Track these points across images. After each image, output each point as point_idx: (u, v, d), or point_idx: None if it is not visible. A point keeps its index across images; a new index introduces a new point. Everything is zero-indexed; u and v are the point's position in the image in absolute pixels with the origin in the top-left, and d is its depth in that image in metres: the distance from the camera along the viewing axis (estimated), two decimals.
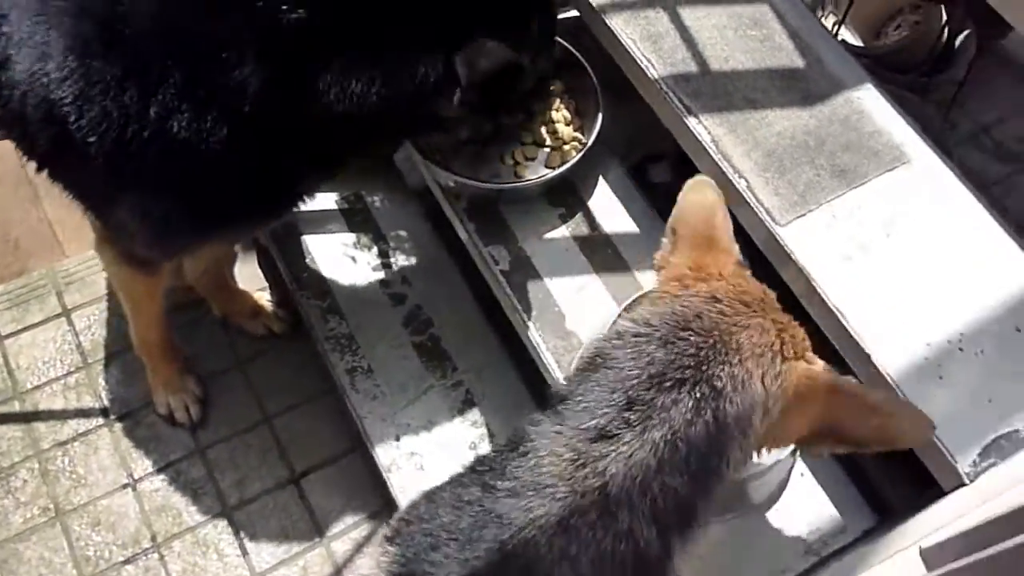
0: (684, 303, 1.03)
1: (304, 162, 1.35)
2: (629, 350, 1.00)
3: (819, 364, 1.06)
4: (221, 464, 1.91)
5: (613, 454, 0.94)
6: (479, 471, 1.01)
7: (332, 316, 1.86)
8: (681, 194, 1.15)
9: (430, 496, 1.04)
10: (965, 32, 2.17)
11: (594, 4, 1.56)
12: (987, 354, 1.25)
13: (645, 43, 1.49)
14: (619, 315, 1.40)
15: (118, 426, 1.93)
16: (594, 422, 0.96)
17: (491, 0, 1.31)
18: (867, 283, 1.29)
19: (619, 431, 0.95)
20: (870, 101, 1.46)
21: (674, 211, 1.13)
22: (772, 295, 1.08)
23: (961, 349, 1.26)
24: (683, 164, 2.04)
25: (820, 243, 1.32)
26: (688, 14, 1.52)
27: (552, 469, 0.95)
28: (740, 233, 1.39)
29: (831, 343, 1.29)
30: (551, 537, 0.93)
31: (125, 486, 1.87)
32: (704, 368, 0.97)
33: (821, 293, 1.28)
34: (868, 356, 1.24)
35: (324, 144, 1.33)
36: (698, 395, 0.96)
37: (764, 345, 1.00)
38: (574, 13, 1.71)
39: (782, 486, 1.42)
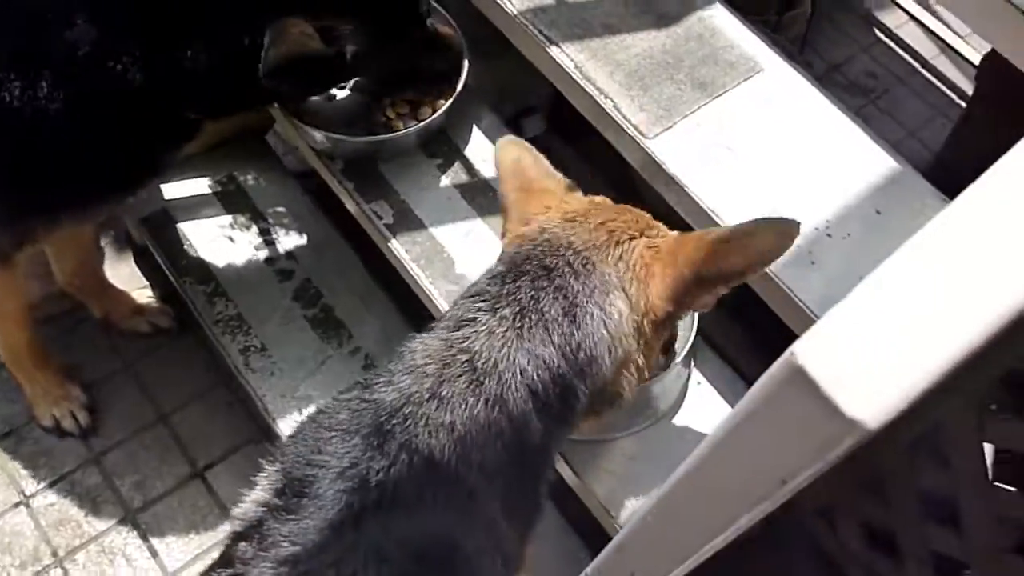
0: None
1: (151, 127, 1.30)
2: (485, 275, 1.10)
3: (665, 231, 1.13)
4: (119, 469, 1.83)
5: (473, 334, 1.02)
6: (359, 383, 1.05)
7: (219, 299, 1.81)
8: (493, 161, 1.22)
9: (313, 414, 1.06)
10: None
11: None
12: (853, 236, 1.31)
13: None
14: None
15: (2, 446, 1.83)
16: (454, 315, 1.05)
17: None
18: (736, 184, 1.34)
19: (475, 315, 1.03)
20: (720, 19, 1.52)
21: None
22: (601, 200, 1.16)
23: (829, 235, 1.31)
24: (554, 115, 2.09)
25: (688, 151, 1.36)
26: None
27: (423, 352, 1.02)
28: (612, 151, 1.45)
29: None
30: (425, 410, 0.97)
31: (17, 504, 1.78)
32: (535, 261, 1.06)
33: (694, 197, 1.32)
34: None
35: (166, 106, 1.28)
36: (533, 276, 1.05)
37: (595, 238, 1.07)
38: None
39: (682, 394, 1.46)
